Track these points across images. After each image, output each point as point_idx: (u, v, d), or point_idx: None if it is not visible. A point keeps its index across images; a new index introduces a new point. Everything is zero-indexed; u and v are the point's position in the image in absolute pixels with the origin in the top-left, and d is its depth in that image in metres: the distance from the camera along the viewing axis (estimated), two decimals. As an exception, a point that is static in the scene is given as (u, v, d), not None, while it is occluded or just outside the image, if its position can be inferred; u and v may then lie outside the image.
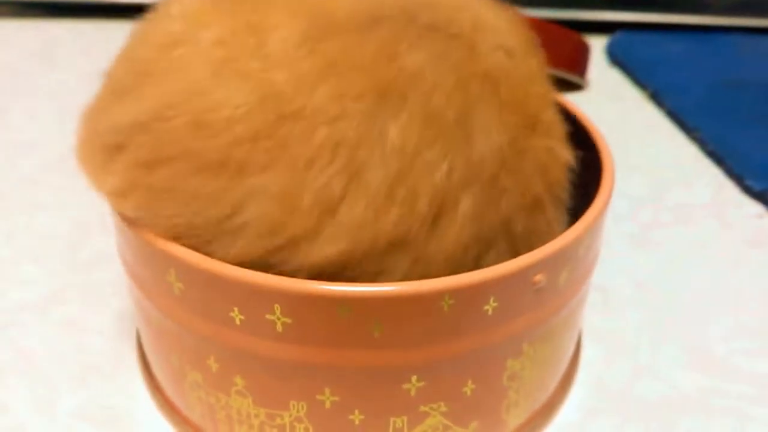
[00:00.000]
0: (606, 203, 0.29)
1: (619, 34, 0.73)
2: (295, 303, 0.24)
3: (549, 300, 0.27)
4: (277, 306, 0.24)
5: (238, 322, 0.25)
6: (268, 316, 0.25)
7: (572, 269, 0.28)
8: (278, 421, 0.28)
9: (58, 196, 0.47)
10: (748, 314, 0.40)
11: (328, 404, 0.27)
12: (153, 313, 0.29)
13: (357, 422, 0.27)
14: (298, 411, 0.27)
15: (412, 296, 0.24)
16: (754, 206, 0.49)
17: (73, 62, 0.65)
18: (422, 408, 0.27)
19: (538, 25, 0.44)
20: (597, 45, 0.71)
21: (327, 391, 0.26)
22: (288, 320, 0.25)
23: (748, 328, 0.39)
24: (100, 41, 0.69)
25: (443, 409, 0.28)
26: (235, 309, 0.25)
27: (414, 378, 0.26)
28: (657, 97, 0.63)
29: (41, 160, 0.51)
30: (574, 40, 0.47)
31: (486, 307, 0.25)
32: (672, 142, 0.57)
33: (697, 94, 0.62)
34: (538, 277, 0.26)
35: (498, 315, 0.26)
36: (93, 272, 0.41)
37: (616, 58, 0.69)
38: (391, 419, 0.27)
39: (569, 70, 0.46)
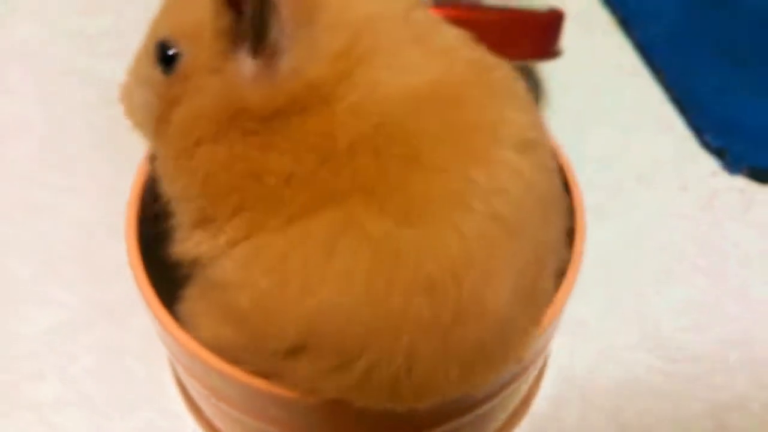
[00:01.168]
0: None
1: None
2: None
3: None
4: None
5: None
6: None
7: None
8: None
9: (58, 198, 0.49)
10: (696, 288, 0.46)
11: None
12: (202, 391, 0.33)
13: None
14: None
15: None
16: (711, 163, 0.53)
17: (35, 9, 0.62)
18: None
19: (509, 20, 0.45)
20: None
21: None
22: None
23: (696, 302, 0.45)
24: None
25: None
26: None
27: None
28: (625, 24, 0.63)
29: (28, 152, 0.51)
30: (545, 22, 0.47)
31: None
32: (638, 84, 0.59)
33: (667, 19, 0.63)
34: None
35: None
36: (112, 288, 0.44)
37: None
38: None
39: (542, 57, 0.48)
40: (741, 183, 0.52)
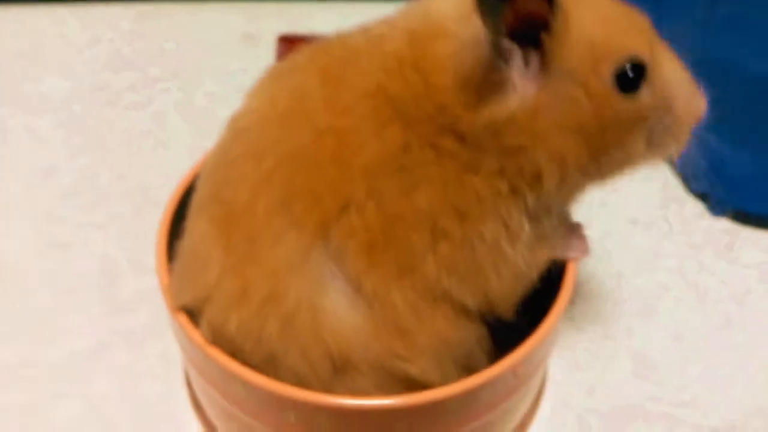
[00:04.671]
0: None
1: None
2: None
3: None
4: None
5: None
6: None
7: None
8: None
9: (81, 233, 0.52)
10: (684, 321, 0.48)
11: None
12: (216, 397, 0.36)
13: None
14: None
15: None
16: (697, 206, 0.57)
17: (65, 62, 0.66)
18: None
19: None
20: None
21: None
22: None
23: (683, 337, 0.48)
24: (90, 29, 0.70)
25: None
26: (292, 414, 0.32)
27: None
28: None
29: (56, 193, 0.55)
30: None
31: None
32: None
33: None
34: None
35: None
36: (130, 316, 0.47)
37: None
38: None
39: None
40: (725, 225, 0.55)
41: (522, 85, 0.29)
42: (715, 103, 0.64)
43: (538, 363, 0.36)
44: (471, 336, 0.34)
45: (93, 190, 0.54)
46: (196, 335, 0.33)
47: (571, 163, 0.31)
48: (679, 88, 0.33)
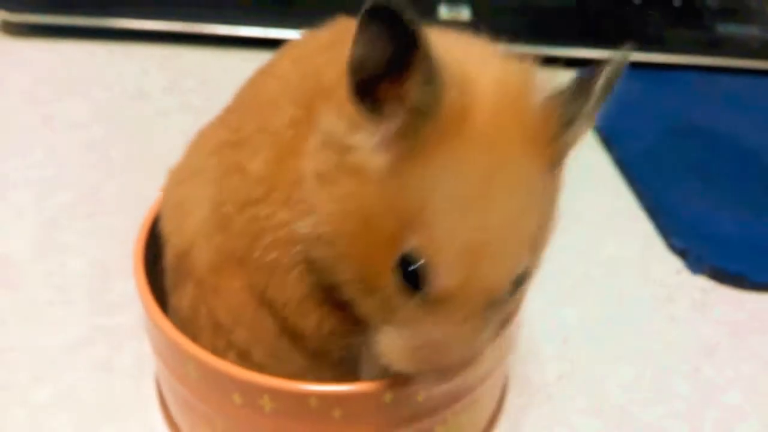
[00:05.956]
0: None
1: (582, 72, 0.80)
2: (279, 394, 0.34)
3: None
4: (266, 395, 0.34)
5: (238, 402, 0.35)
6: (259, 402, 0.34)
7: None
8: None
9: (81, 239, 0.55)
10: (650, 366, 0.49)
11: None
12: (174, 384, 0.38)
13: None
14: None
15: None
16: (675, 262, 0.58)
17: (89, 88, 0.72)
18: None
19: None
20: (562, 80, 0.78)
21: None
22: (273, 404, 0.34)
23: (647, 378, 0.48)
24: (113, 66, 0.76)
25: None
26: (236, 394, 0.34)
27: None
28: (607, 143, 0.70)
29: (62, 199, 0.59)
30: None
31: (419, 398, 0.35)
32: (613, 192, 0.65)
33: (645, 141, 0.70)
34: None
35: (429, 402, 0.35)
36: (115, 316, 0.49)
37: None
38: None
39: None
40: (702, 282, 0.56)
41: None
42: (701, 166, 0.67)
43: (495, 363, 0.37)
44: None
45: (95, 202, 0.59)
46: (152, 304, 0.36)
47: None
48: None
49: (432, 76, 0.27)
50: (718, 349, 0.51)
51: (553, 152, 0.29)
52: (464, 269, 0.27)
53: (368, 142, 0.29)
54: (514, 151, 0.28)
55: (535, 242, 0.30)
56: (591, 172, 0.67)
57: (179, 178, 0.39)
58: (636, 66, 0.81)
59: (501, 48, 0.33)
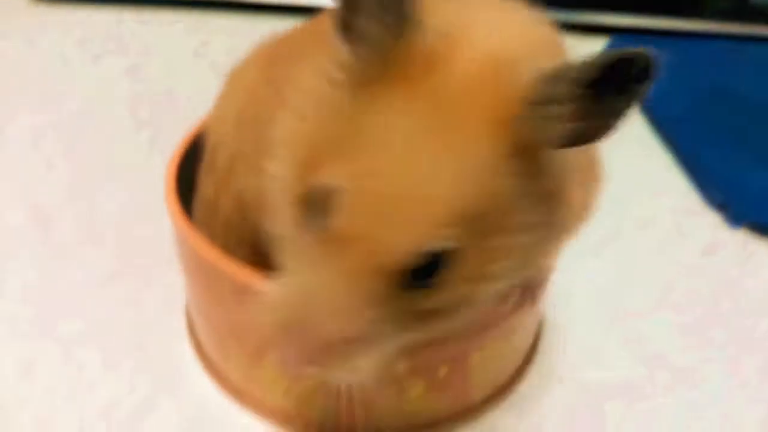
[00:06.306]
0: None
1: (614, 39, 0.79)
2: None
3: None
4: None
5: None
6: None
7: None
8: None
9: (111, 185, 0.56)
10: (687, 315, 0.48)
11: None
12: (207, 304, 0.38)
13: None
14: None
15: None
16: (713, 216, 0.57)
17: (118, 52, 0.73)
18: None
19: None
20: (595, 49, 0.77)
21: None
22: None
23: (684, 326, 0.47)
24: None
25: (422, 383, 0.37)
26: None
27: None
28: (645, 106, 0.69)
29: (91, 149, 0.60)
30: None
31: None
32: (649, 152, 0.64)
33: (682, 105, 0.69)
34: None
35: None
36: (142, 255, 0.49)
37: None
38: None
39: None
40: (742, 236, 0.55)
41: None
42: (736, 129, 0.66)
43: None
44: None
45: (124, 152, 0.59)
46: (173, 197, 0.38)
47: None
48: None
49: (398, 17, 0.26)
50: (756, 298, 0.50)
51: (521, 134, 0.26)
52: (365, 216, 0.25)
53: (341, 74, 0.28)
54: (467, 118, 0.26)
55: (468, 221, 0.26)
56: (629, 132, 0.66)
57: (237, 75, 0.42)
58: (672, 34, 0.82)
59: (538, 16, 0.32)
